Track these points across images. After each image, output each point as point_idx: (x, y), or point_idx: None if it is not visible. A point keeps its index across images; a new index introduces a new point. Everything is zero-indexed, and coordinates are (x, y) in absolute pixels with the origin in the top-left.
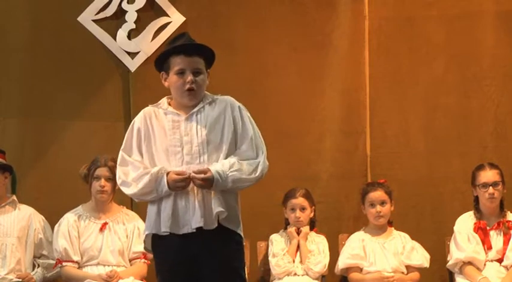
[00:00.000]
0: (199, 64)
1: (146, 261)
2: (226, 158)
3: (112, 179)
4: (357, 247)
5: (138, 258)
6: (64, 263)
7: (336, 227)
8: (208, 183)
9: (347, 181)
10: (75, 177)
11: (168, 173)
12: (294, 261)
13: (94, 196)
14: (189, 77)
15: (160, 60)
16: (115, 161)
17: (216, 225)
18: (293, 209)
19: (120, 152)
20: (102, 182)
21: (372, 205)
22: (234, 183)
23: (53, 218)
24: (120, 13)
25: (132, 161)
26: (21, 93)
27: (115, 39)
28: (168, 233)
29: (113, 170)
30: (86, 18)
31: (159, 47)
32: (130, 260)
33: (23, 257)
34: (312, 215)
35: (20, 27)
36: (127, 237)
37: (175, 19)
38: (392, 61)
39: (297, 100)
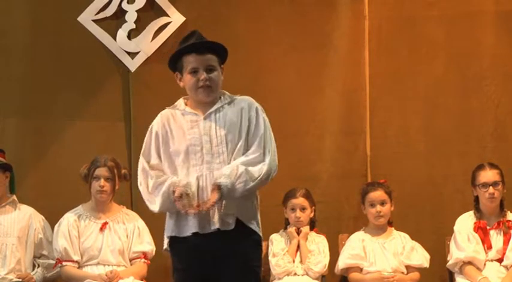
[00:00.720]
0: (212, 61)
1: (146, 261)
2: (239, 157)
3: (112, 179)
4: (357, 247)
5: (138, 258)
6: (64, 263)
7: (336, 227)
8: (216, 202)
9: (347, 181)
10: (75, 177)
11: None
12: (294, 261)
13: (94, 196)
14: (203, 75)
15: (173, 60)
16: (115, 161)
17: (233, 226)
18: (293, 209)
19: (140, 158)
20: (102, 182)
21: (372, 205)
22: (242, 193)
23: (53, 218)
24: (120, 13)
25: (148, 170)
26: (21, 93)
27: (115, 39)
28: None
29: (112, 170)
30: (86, 18)
31: (159, 47)
32: (130, 260)
33: (23, 257)
34: (312, 215)
35: (20, 27)
36: (127, 237)
37: (175, 19)
38: (392, 61)
39: (296, 100)
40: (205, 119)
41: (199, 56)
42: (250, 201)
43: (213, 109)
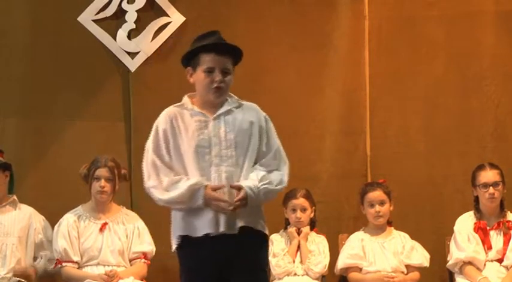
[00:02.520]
0: (229, 64)
1: (146, 261)
2: (250, 163)
3: (112, 179)
4: (356, 247)
5: (138, 258)
6: (64, 263)
7: (336, 227)
8: (243, 203)
9: (347, 181)
10: (75, 177)
11: (205, 186)
12: (294, 262)
13: (94, 196)
14: (218, 77)
15: (189, 55)
16: (115, 162)
17: (237, 231)
18: (294, 210)
19: (151, 153)
20: (102, 182)
21: (371, 205)
22: (266, 196)
23: (53, 218)
24: (120, 13)
25: (161, 166)
26: (21, 93)
27: (115, 39)
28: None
29: (113, 171)
30: (86, 18)
31: (159, 47)
32: (130, 260)
33: (23, 257)
34: (312, 215)
35: (20, 27)
36: (127, 237)
37: (175, 19)
38: (392, 61)
39: (296, 100)
40: (214, 119)
41: (218, 57)
42: (258, 208)
43: (222, 111)
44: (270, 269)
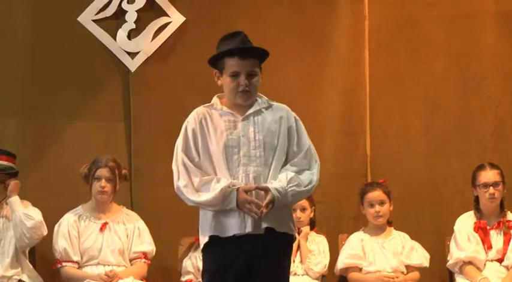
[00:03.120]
0: (254, 66)
1: (146, 261)
2: (278, 163)
3: (112, 179)
4: (356, 247)
5: (138, 258)
6: (64, 263)
7: (336, 227)
8: (270, 206)
9: (347, 181)
10: (75, 177)
11: (238, 189)
12: (294, 261)
13: (94, 196)
14: (244, 81)
15: (214, 59)
16: (116, 162)
17: (263, 231)
18: (293, 209)
19: (180, 153)
20: (103, 182)
21: (371, 205)
22: (294, 198)
23: (53, 218)
24: (120, 13)
25: (191, 166)
26: (21, 93)
27: (115, 39)
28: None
29: (113, 171)
30: (86, 18)
31: (159, 47)
32: (130, 260)
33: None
34: (312, 215)
35: (20, 27)
36: (127, 237)
37: (175, 19)
38: (392, 61)
39: (296, 100)
40: (243, 120)
41: (242, 61)
42: (285, 210)
43: (251, 111)
44: None
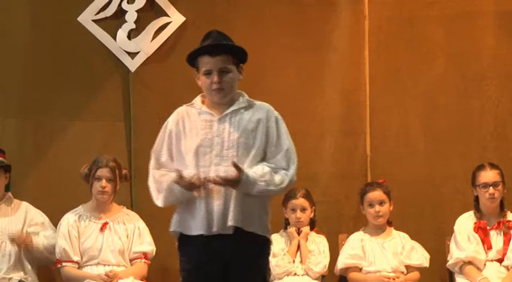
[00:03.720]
0: (226, 62)
1: (147, 261)
2: (253, 163)
3: (113, 179)
4: (356, 247)
5: (138, 258)
6: (64, 263)
7: (336, 227)
8: (232, 182)
9: (347, 181)
10: (75, 177)
11: (177, 181)
12: (294, 262)
13: (95, 196)
14: (215, 78)
15: (190, 60)
16: (116, 162)
17: (231, 231)
18: (293, 210)
19: (153, 151)
20: (103, 182)
21: (371, 205)
22: (259, 193)
23: (53, 218)
24: (120, 13)
25: (156, 165)
26: (21, 93)
27: (115, 39)
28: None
29: (114, 171)
30: (86, 18)
31: (159, 47)
32: (130, 260)
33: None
34: (312, 215)
35: (20, 27)
36: (127, 237)
37: (175, 19)
38: (392, 61)
39: (296, 100)
40: (220, 120)
41: (212, 58)
42: (256, 205)
43: (229, 111)
44: (270, 269)
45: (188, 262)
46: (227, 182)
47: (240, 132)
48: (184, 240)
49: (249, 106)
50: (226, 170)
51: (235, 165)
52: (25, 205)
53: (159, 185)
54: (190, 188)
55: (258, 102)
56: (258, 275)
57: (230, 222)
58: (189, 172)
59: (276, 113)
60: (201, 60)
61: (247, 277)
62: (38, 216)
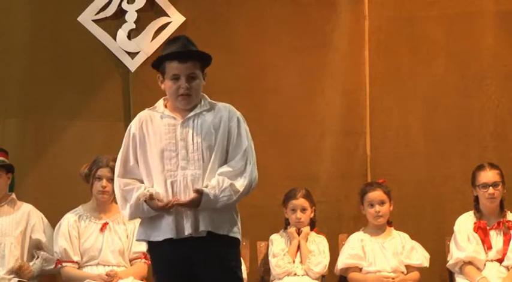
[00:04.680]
0: (194, 69)
1: (146, 261)
2: (217, 165)
3: (113, 179)
4: (356, 247)
5: (138, 258)
6: (64, 264)
7: (336, 227)
8: (194, 203)
9: (347, 181)
10: (75, 177)
11: (145, 201)
12: (294, 262)
13: (95, 196)
14: (183, 83)
15: (156, 64)
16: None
17: (205, 234)
18: (294, 210)
19: (118, 158)
20: (104, 182)
21: (371, 205)
22: (222, 206)
23: (53, 218)
24: (120, 13)
25: (122, 172)
26: (21, 93)
27: (115, 39)
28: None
29: (114, 171)
30: (86, 18)
31: (159, 47)
32: (130, 260)
33: (22, 256)
34: (312, 215)
35: (20, 27)
36: (127, 237)
37: (175, 19)
38: (392, 61)
39: (296, 100)
40: (183, 123)
41: (182, 64)
42: (228, 214)
43: (191, 114)
44: (269, 269)
45: (159, 265)
46: (190, 205)
47: (203, 135)
48: (153, 245)
49: (211, 108)
50: (194, 174)
51: (196, 191)
52: (28, 208)
53: (126, 194)
54: (158, 210)
55: (219, 104)
56: (230, 276)
57: (202, 227)
58: (157, 192)
59: (238, 113)
60: (168, 65)
61: (220, 278)
62: (39, 228)
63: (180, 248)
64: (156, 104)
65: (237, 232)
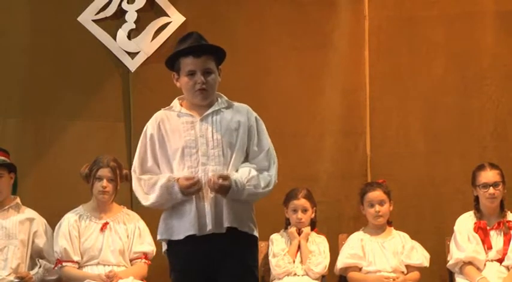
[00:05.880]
0: (210, 64)
1: (147, 261)
2: (238, 162)
3: (114, 179)
4: (355, 247)
5: (138, 258)
6: (64, 263)
7: (336, 227)
8: (224, 190)
9: (347, 181)
10: (75, 177)
11: (178, 180)
12: (294, 262)
13: (95, 196)
14: (200, 78)
15: (170, 61)
16: (117, 162)
17: (225, 231)
18: (295, 210)
19: (135, 159)
20: (104, 182)
21: (371, 205)
22: (248, 197)
23: (53, 218)
24: (120, 13)
25: (141, 170)
26: (21, 93)
27: (115, 39)
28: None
29: (115, 171)
30: (86, 18)
31: (159, 47)
32: (130, 260)
33: (25, 260)
34: (313, 215)
35: (20, 27)
36: (127, 237)
37: (175, 19)
38: (392, 61)
39: (297, 100)
40: (201, 120)
41: (197, 59)
42: (246, 205)
43: (210, 111)
44: (270, 269)
45: (178, 263)
46: (218, 191)
47: (223, 131)
48: (173, 244)
49: (229, 106)
50: (214, 170)
51: (222, 176)
52: (32, 214)
53: (152, 183)
54: (189, 189)
55: (237, 104)
56: (249, 272)
57: (226, 223)
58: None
59: (255, 113)
60: (183, 61)
61: (240, 275)
62: (42, 234)
63: (200, 246)
64: (172, 104)
65: (255, 230)
